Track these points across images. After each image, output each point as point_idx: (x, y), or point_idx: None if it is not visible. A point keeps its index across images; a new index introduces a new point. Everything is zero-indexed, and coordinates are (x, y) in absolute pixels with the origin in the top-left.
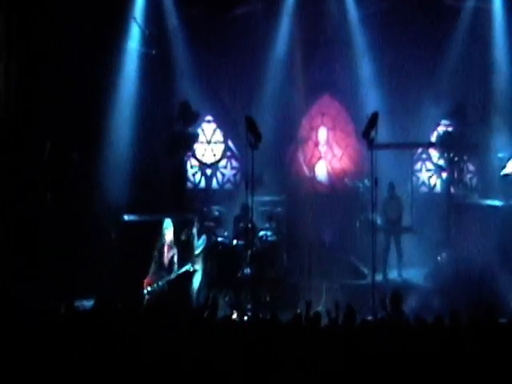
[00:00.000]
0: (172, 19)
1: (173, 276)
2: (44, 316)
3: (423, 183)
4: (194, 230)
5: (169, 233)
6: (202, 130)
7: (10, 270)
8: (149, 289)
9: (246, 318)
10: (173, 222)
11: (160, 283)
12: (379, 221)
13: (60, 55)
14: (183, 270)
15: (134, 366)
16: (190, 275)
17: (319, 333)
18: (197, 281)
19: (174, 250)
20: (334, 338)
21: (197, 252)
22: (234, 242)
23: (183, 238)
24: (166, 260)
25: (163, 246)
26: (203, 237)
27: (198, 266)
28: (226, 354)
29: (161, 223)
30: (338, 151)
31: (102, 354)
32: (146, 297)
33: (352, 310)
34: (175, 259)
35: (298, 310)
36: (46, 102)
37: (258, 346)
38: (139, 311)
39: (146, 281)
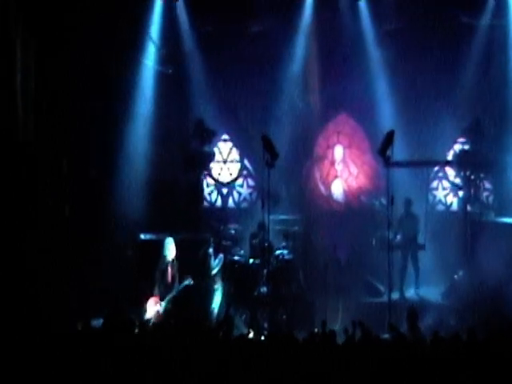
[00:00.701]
0: (188, 38)
1: (175, 293)
2: (61, 332)
3: (440, 201)
4: (211, 250)
5: (171, 252)
6: (219, 148)
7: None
8: (154, 309)
9: (262, 337)
10: (179, 241)
11: (163, 303)
12: (396, 238)
13: (77, 72)
14: (183, 285)
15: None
16: (192, 290)
17: (335, 350)
18: (217, 300)
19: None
20: (349, 355)
21: (213, 272)
22: (251, 260)
23: (199, 257)
24: (169, 279)
25: (167, 265)
26: (220, 256)
27: (218, 285)
28: (242, 373)
29: (162, 242)
30: (354, 169)
31: (115, 372)
32: (152, 320)
33: (366, 328)
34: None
35: (316, 329)
36: (64, 119)
37: (275, 364)
38: (147, 330)
39: (153, 299)
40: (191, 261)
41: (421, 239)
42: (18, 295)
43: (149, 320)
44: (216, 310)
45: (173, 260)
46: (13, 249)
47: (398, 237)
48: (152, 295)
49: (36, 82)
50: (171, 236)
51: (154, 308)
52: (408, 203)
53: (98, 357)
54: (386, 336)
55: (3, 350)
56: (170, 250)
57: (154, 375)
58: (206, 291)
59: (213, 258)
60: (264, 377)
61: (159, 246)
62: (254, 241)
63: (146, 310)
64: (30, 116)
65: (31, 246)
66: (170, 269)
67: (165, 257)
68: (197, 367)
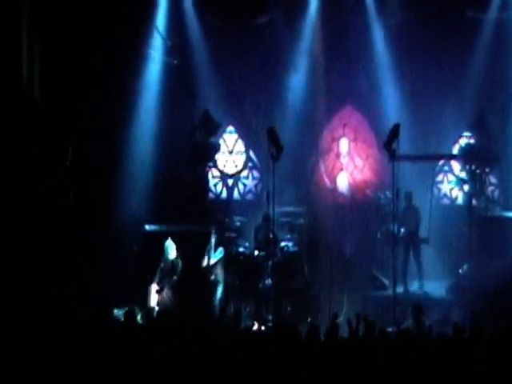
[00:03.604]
0: (194, 29)
1: (214, 261)
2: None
3: (445, 195)
4: (212, 240)
5: (171, 254)
6: (224, 140)
7: (32, 273)
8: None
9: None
10: (183, 233)
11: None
12: (399, 232)
13: (82, 63)
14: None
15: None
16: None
17: (338, 343)
18: (219, 291)
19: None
20: (353, 349)
21: (211, 262)
22: (256, 252)
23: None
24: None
25: (169, 262)
26: (220, 249)
27: (220, 278)
28: (247, 364)
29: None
30: (359, 162)
31: (115, 363)
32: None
33: (370, 322)
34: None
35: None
36: (68, 108)
37: (279, 356)
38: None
39: (156, 287)
40: (193, 252)
41: (423, 233)
42: (18, 295)
43: (153, 308)
44: (218, 303)
45: (173, 260)
46: (13, 249)
47: (402, 230)
48: (155, 284)
49: (41, 69)
50: (175, 228)
51: (156, 295)
52: (408, 196)
53: (99, 356)
54: (392, 329)
55: (3, 350)
56: (171, 252)
57: (157, 372)
58: (205, 283)
59: (212, 250)
60: (269, 370)
61: (163, 238)
62: (259, 233)
63: (150, 298)
64: (35, 102)
65: (31, 245)
66: (171, 266)
67: (166, 255)
68: (202, 360)
